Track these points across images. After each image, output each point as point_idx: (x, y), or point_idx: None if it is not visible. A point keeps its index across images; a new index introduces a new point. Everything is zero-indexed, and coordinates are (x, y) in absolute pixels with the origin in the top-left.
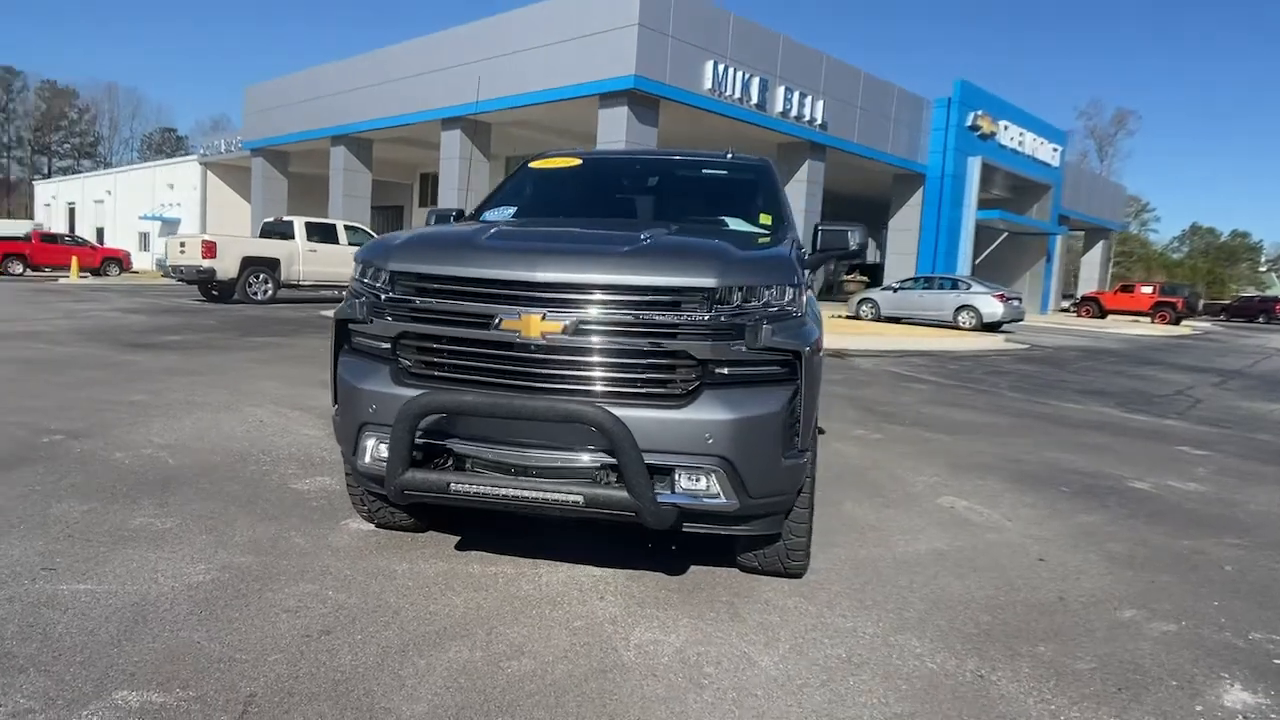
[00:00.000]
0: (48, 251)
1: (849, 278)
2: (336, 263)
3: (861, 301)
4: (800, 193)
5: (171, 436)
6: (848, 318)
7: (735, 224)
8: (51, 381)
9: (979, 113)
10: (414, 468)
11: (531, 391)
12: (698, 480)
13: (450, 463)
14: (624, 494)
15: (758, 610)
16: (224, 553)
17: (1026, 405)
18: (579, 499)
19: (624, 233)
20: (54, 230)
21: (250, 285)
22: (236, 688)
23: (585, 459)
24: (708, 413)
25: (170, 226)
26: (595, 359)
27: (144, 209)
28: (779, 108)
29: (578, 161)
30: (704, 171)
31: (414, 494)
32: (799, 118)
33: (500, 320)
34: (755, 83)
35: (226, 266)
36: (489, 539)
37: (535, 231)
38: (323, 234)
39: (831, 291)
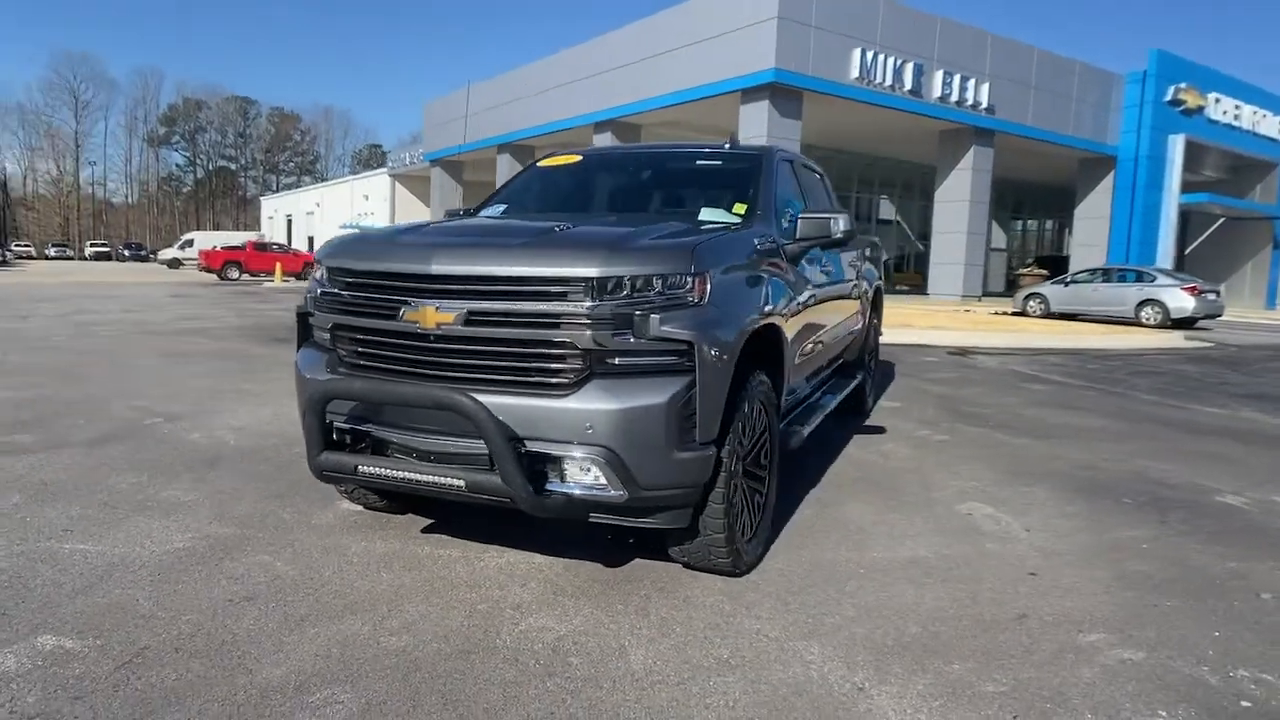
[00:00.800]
0: (259, 259)
1: (1025, 271)
2: None
3: (1029, 297)
4: (965, 181)
5: (247, 421)
6: (1013, 314)
7: (710, 214)
8: (183, 371)
9: (1181, 85)
10: (330, 450)
11: (430, 379)
12: (586, 470)
13: (369, 446)
14: (499, 480)
15: (670, 606)
16: (215, 524)
17: (1154, 409)
18: (461, 484)
19: (541, 225)
20: (273, 240)
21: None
22: (136, 640)
23: (472, 445)
24: (590, 402)
25: None
26: (485, 348)
27: (344, 218)
28: (936, 93)
29: (578, 158)
30: (698, 164)
31: (329, 474)
32: (960, 102)
33: (403, 312)
34: (909, 68)
35: None
36: (462, 523)
37: (450, 227)
38: None
39: (1012, 287)
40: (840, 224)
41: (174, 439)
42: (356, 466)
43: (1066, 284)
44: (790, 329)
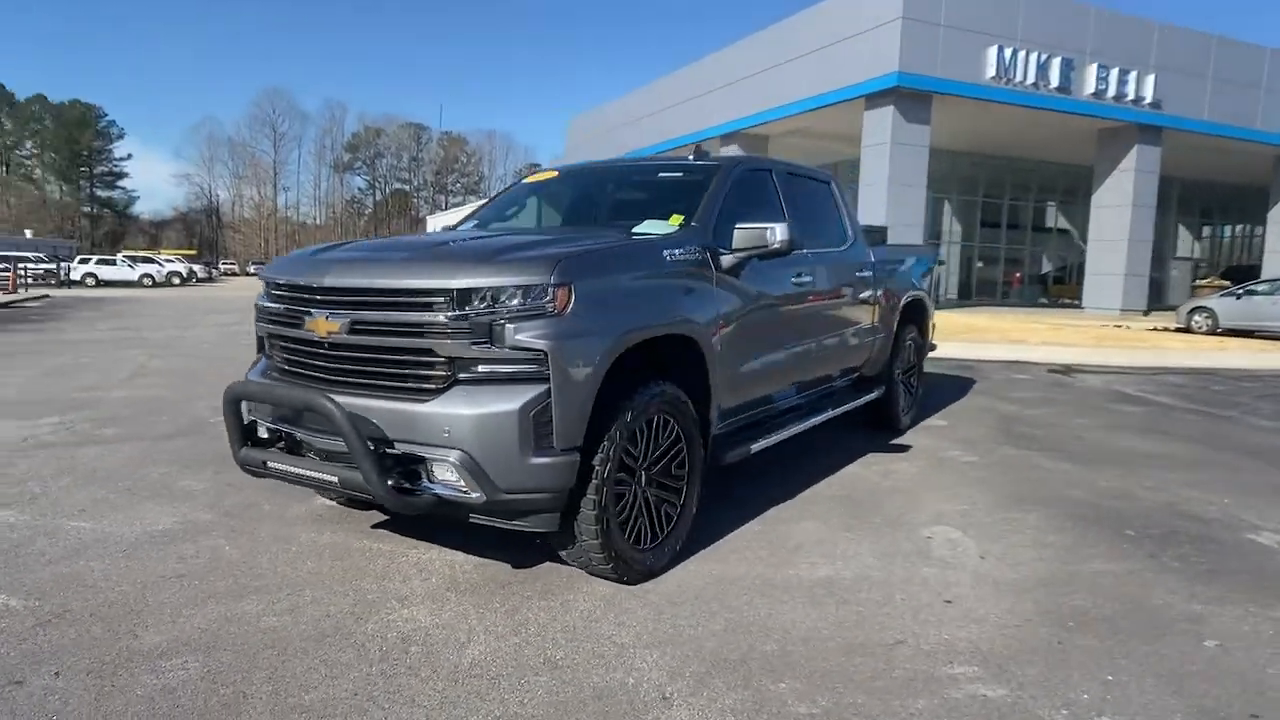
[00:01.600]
0: None
1: (1204, 283)
2: None
3: (1194, 311)
4: (1126, 183)
5: None
6: (1175, 330)
7: (649, 225)
8: None
9: None
10: (248, 446)
11: (325, 383)
12: (448, 472)
13: (286, 444)
14: (360, 478)
15: (543, 608)
16: (202, 511)
17: (1255, 437)
18: (336, 480)
19: (438, 239)
20: None
21: None
22: (66, 605)
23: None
24: (449, 407)
25: None
26: (366, 355)
27: None
28: (1089, 89)
29: (555, 174)
30: (659, 176)
31: (248, 468)
32: (1119, 98)
33: (305, 321)
34: (1055, 64)
35: None
36: (411, 522)
37: (357, 244)
38: None
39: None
40: (777, 234)
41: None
42: (265, 461)
43: (1239, 296)
44: (723, 340)
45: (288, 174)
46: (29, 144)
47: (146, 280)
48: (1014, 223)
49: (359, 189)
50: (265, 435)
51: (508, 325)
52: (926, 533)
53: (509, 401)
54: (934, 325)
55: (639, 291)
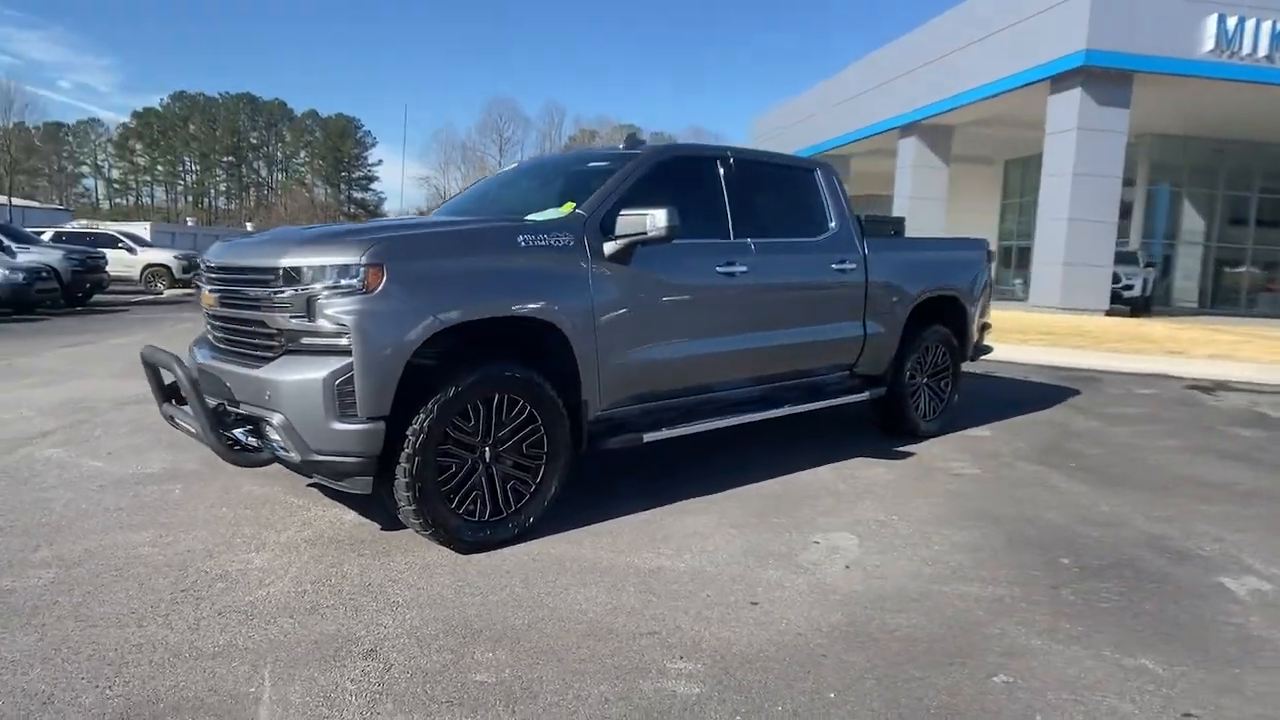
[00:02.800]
0: None
1: None
2: None
3: None
4: None
5: None
6: None
7: (546, 213)
8: None
9: None
10: (168, 403)
11: (215, 349)
12: (275, 432)
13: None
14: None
15: (360, 566)
16: (191, 463)
17: None
18: (194, 431)
19: (318, 228)
20: None
21: None
22: (13, 521)
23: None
24: (272, 374)
25: None
26: (229, 325)
27: None
28: None
29: (515, 166)
30: (589, 165)
31: (166, 421)
32: None
33: (204, 294)
34: None
35: None
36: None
37: (267, 230)
38: None
39: None
40: (657, 220)
41: None
42: (173, 416)
43: None
44: (604, 326)
45: None
46: (303, 153)
47: None
48: (1267, 218)
49: None
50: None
51: (321, 301)
52: (817, 538)
53: (318, 371)
54: (983, 325)
55: (473, 274)
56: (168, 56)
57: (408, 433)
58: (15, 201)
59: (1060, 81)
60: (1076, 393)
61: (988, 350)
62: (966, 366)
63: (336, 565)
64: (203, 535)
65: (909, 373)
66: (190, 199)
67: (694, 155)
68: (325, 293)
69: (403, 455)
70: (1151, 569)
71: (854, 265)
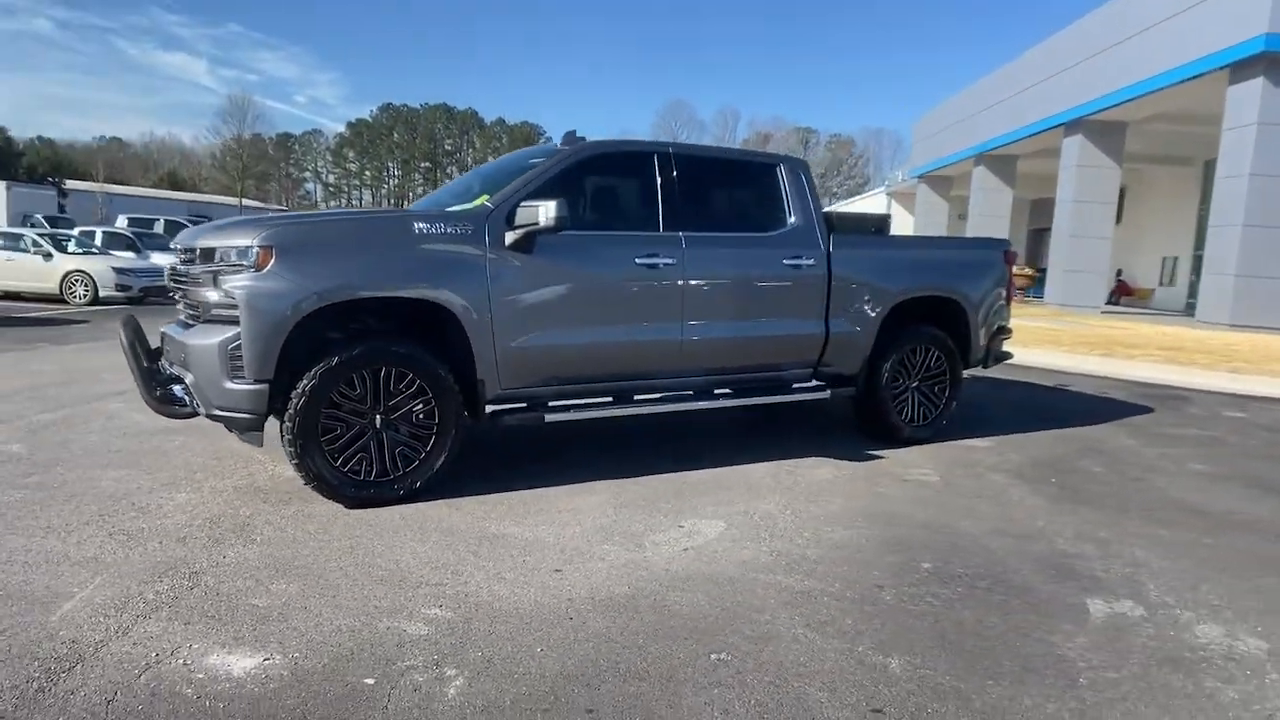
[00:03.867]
0: None
1: None
2: None
3: None
4: None
5: None
6: None
7: (465, 204)
8: None
9: None
10: (149, 361)
11: (177, 320)
12: (188, 390)
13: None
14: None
15: (269, 514)
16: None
17: None
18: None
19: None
20: None
21: None
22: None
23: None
24: (188, 338)
25: None
26: (178, 298)
27: None
28: None
29: (492, 162)
30: (528, 161)
31: None
32: None
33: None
34: None
35: None
36: None
37: None
38: None
39: None
40: (548, 212)
41: None
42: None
43: None
44: (501, 311)
45: None
46: (490, 158)
47: None
48: None
49: None
50: None
51: (222, 277)
52: (686, 523)
53: (215, 337)
54: (997, 329)
55: (360, 259)
56: (381, 72)
57: (292, 395)
58: (245, 202)
59: (1239, 71)
60: (1146, 411)
61: (1006, 357)
62: (1024, 375)
63: (234, 508)
64: (162, 477)
65: (888, 375)
66: (391, 201)
67: (622, 152)
68: (226, 270)
69: (286, 414)
70: (1016, 582)
71: (813, 262)
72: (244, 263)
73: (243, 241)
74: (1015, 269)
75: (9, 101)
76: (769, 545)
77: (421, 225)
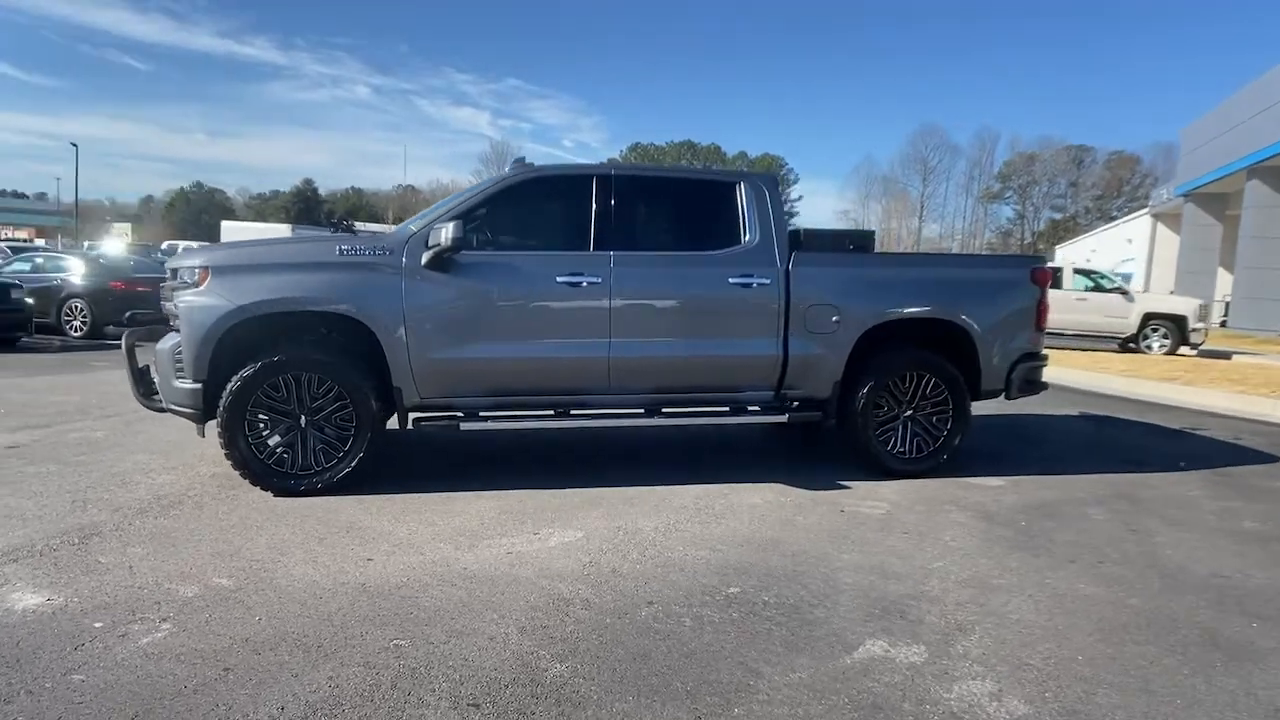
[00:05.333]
0: None
1: None
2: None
3: None
4: None
5: None
6: None
7: (409, 222)
8: None
9: None
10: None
11: None
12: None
13: None
14: None
15: (207, 490)
16: None
17: None
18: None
19: None
20: None
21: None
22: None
23: None
24: (158, 344)
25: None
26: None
27: (1109, 265)
28: None
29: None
30: (475, 187)
31: None
32: None
33: None
34: None
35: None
36: None
37: None
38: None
39: None
40: (445, 233)
41: None
42: None
43: None
44: (416, 326)
45: (933, 206)
46: None
47: None
48: None
49: (1007, 219)
50: None
51: (176, 293)
52: (545, 532)
53: (167, 343)
54: (1024, 356)
55: (281, 278)
56: (637, 113)
57: (221, 394)
58: None
59: None
60: (1270, 460)
61: (1036, 388)
62: (1165, 416)
63: (194, 490)
64: (158, 459)
65: (865, 401)
66: None
67: (556, 175)
68: (179, 288)
69: (218, 411)
70: (811, 615)
71: (767, 281)
72: (189, 281)
73: (191, 263)
74: None
75: (331, 157)
76: (595, 557)
77: (344, 247)
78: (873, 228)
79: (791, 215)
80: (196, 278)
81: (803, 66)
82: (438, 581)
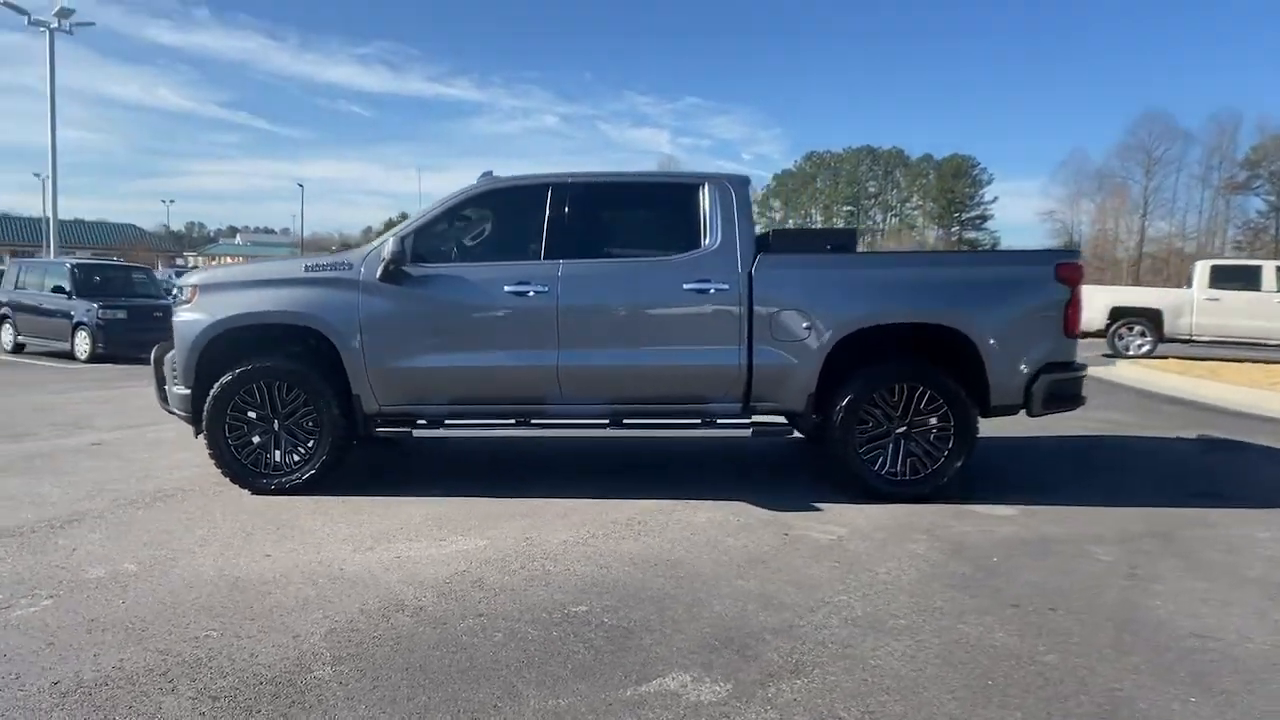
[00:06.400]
0: None
1: None
2: (1247, 314)
3: None
4: None
5: None
6: None
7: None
8: None
9: None
10: None
11: None
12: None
13: None
14: None
15: (196, 482)
16: None
17: None
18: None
19: None
20: None
21: (1120, 338)
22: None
23: None
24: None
25: None
26: None
27: None
28: None
29: None
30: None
31: None
32: None
33: None
34: None
35: (1092, 317)
36: None
37: None
38: (1242, 278)
39: None
40: (385, 248)
41: None
42: None
43: None
44: (371, 337)
45: (1159, 202)
46: (914, 197)
47: None
48: None
49: (1257, 212)
50: None
51: (175, 308)
52: (452, 539)
53: (168, 354)
54: (1045, 368)
55: (258, 294)
56: (815, 120)
57: (205, 399)
58: None
59: None
60: None
61: (1069, 402)
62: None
63: (192, 487)
64: (194, 457)
65: (847, 416)
66: None
67: (513, 186)
68: (179, 304)
69: (203, 415)
70: (626, 640)
71: (726, 286)
72: (184, 299)
73: (187, 282)
74: None
75: None
76: (473, 567)
77: (309, 263)
78: (1082, 228)
79: (985, 219)
80: (188, 295)
81: (996, 50)
82: (303, 579)
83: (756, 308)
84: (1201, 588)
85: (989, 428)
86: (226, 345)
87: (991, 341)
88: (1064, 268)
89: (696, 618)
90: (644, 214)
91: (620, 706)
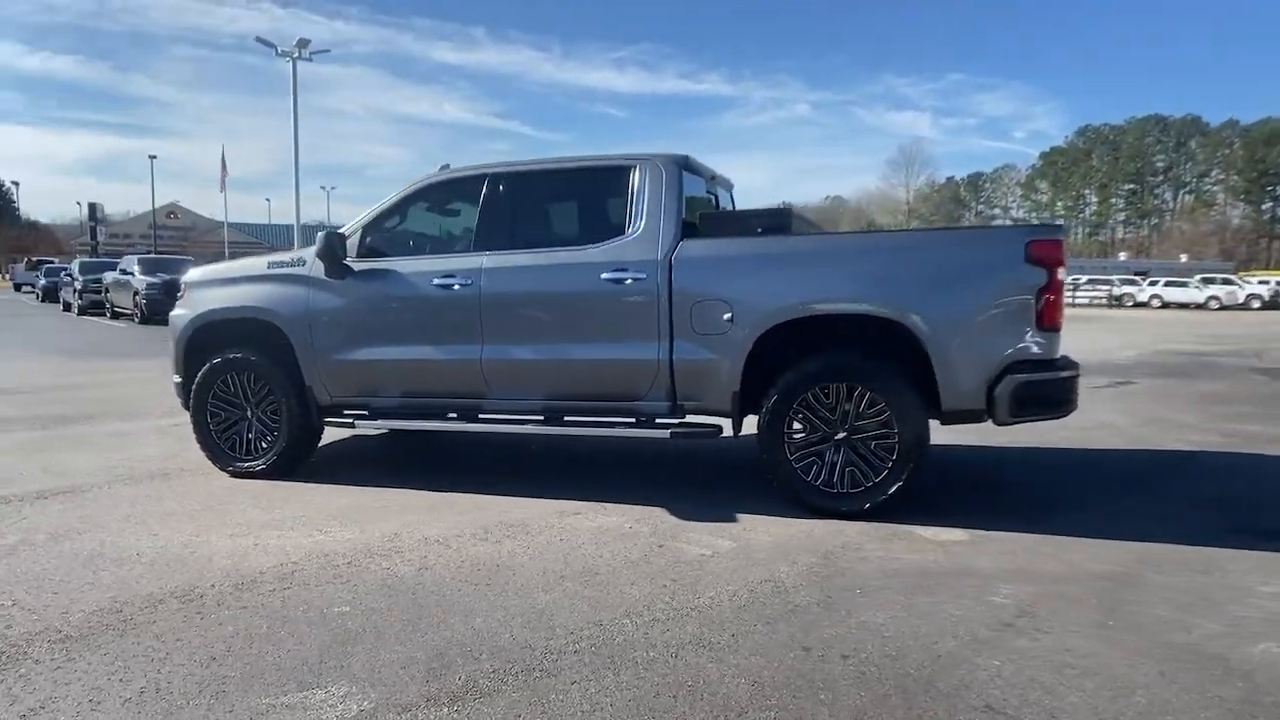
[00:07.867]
0: None
1: None
2: None
3: None
4: None
5: None
6: None
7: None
8: None
9: None
10: None
11: None
12: None
13: None
14: None
15: (183, 464)
16: None
17: None
18: None
19: None
20: None
21: None
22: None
23: None
24: None
25: None
26: None
27: None
28: None
29: None
30: None
31: None
32: None
33: None
34: None
35: None
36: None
37: None
38: None
39: None
40: (317, 245)
41: None
42: None
43: None
44: (317, 332)
45: None
46: (1215, 170)
47: (1213, 303)
48: None
49: None
50: None
51: (173, 298)
52: (328, 528)
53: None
54: (1011, 366)
55: (230, 290)
56: (1096, 93)
57: (190, 388)
58: None
59: None
60: None
61: (1053, 409)
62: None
63: (185, 467)
64: (156, 441)
65: (774, 418)
66: (1085, 231)
67: (453, 179)
68: (177, 300)
69: (190, 402)
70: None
71: (642, 275)
72: (179, 296)
73: (183, 280)
74: None
75: (771, 176)
76: (305, 558)
77: (272, 260)
78: None
79: None
80: (181, 292)
81: None
82: (165, 560)
83: (676, 298)
84: (1083, 650)
85: (1014, 437)
86: (207, 338)
87: (939, 335)
88: (1037, 246)
89: (441, 629)
90: (577, 201)
91: (252, 715)
